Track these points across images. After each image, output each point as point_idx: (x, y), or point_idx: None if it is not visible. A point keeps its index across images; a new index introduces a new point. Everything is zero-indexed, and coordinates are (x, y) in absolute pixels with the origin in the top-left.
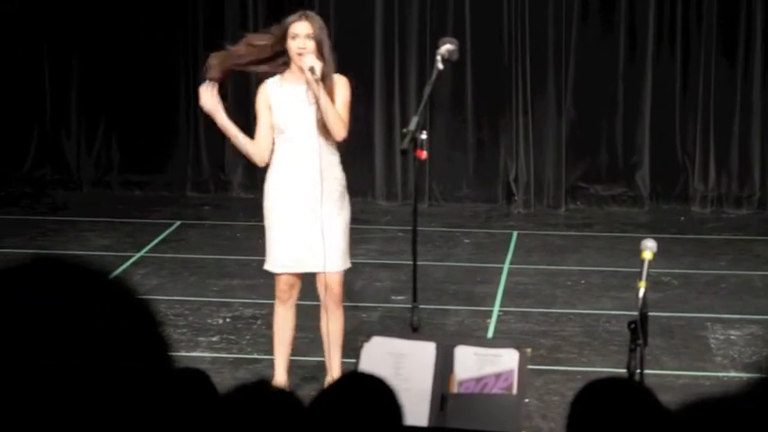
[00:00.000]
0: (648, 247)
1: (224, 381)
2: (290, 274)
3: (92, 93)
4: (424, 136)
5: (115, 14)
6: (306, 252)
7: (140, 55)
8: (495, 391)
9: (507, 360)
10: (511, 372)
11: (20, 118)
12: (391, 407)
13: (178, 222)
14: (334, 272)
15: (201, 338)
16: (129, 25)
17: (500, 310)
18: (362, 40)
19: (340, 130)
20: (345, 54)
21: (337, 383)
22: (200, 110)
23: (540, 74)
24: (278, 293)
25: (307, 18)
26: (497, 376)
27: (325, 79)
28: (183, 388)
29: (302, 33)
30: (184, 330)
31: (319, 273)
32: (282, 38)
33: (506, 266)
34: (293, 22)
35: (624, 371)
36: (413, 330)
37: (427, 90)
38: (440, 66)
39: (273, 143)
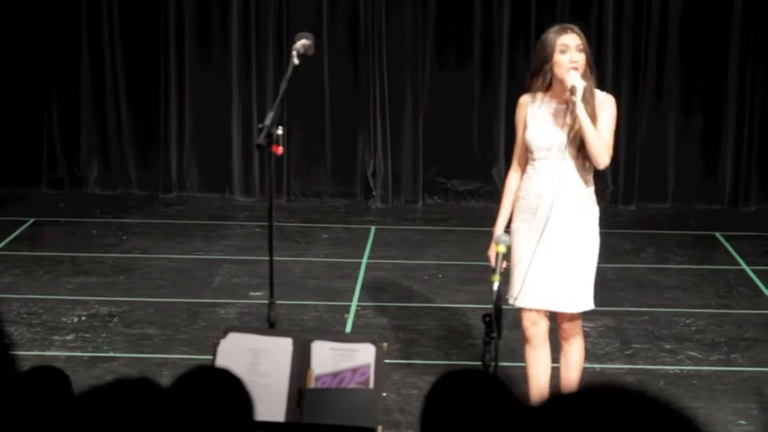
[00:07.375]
0: (503, 241)
1: (80, 379)
2: (533, 310)
3: None
4: (280, 131)
5: None
6: (549, 287)
7: None
8: (351, 385)
9: (364, 355)
10: (367, 366)
11: None
12: (241, 399)
13: (32, 219)
14: (576, 312)
15: (56, 337)
16: None
17: (358, 305)
18: (219, 33)
19: (602, 156)
20: (201, 48)
21: (185, 378)
22: (55, 105)
23: (397, 69)
24: (524, 332)
25: (573, 30)
26: (354, 371)
27: (588, 100)
28: (37, 386)
29: (573, 45)
30: (38, 329)
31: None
32: (547, 53)
33: (364, 261)
34: (561, 34)
35: (479, 363)
36: (270, 326)
37: (283, 85)
38: (296, 61)
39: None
